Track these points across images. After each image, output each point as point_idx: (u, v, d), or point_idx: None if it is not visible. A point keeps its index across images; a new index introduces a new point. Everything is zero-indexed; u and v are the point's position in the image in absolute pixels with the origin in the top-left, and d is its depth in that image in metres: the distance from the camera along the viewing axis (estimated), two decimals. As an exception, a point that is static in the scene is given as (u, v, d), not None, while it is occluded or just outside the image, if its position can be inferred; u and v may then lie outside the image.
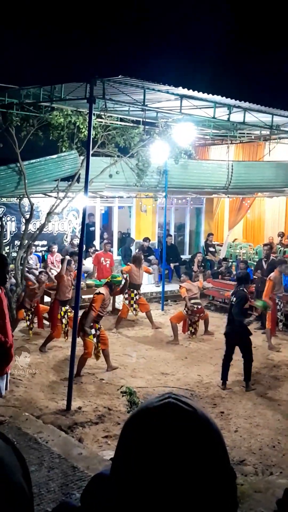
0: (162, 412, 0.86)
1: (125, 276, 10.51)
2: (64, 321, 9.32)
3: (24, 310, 9.81)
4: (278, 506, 1.62)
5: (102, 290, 8.42)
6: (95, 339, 8.07)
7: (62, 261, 9.77)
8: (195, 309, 10.03)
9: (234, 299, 7.96)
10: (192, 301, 10.01)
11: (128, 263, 11.58)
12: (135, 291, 10.82)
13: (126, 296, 10.74)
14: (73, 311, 8.71)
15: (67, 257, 9.68)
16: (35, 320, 9.88)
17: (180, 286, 10.51)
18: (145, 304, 11.02)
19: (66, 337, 9.34)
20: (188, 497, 0.82)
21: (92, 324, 8.06)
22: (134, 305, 10.80)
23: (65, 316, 9.33)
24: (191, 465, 0.83)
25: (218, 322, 11.56)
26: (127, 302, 10.76)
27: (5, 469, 0.77)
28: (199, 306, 10.11)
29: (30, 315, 9.79)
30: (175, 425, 0.85)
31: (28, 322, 9.80)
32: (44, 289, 10.21)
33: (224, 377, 7.88)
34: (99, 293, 8.31)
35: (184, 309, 10.18)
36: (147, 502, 0.82)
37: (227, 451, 0.90)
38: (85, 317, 8.09)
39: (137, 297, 10.85)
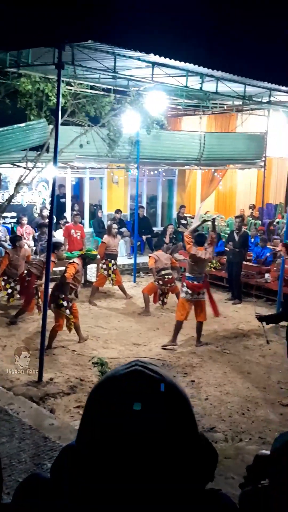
0: (129, 380, 0.84)
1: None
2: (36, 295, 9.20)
3: (3, 280, 9.59)
4: (248, 471, 1.63)
5: (76, 260, 8.38)
6: (68, 311, 8.01)
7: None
8: (166, 279, 10.03)
9: None
10: (163, 272, 10.00)
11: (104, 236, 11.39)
12: (113, 261, 10.79)
13: (104, 266, 10.70)
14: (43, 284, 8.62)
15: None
16: (18, 288, 9.53)
17: (150, 256, 10.47)
18: (118, 277, 11.00)
19: (39, 311, 9.23)
20: (155, 464, 0.79)
21: (65, 295, 7.99)
22: (112, 275, 10.78)
23: (37, 289, 9.21)
24: (159, 432, 0.80)
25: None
26: (105, 272, 10.72)
27: None
28: (170, 276, 10.11)
29: (12, 284, 9.55)
30: (142, 392, 0.82)
31: (10, 291, 9.55)
32: (26, 260, 9.75)
33: None
34: (73, 262, 8.27)
35: (155, 280, 10.18)
36: (114, 471, 0.79)
37: (195, 418, 0.88)
38: (59, 288, 8.00)
39: (114, 267, 10.84)
